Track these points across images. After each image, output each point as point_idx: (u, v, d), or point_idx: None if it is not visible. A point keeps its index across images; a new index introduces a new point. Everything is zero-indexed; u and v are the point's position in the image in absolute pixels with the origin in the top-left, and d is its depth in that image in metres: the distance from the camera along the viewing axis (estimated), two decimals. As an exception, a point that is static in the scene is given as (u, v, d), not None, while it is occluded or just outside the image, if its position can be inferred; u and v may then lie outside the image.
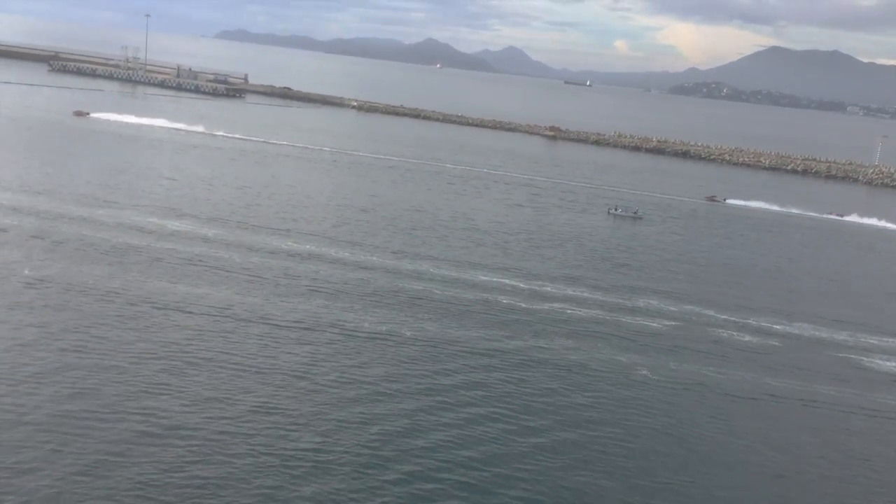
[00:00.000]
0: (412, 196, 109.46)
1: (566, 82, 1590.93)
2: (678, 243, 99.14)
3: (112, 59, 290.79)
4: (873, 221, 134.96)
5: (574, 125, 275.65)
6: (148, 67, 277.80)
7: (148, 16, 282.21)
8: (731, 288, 79.08)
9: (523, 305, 63.43)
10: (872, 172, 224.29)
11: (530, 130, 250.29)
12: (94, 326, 48.59)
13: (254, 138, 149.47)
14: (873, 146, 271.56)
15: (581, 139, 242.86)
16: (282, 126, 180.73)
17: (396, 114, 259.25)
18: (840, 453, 44.78)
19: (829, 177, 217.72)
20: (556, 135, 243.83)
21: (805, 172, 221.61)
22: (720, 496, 38.30)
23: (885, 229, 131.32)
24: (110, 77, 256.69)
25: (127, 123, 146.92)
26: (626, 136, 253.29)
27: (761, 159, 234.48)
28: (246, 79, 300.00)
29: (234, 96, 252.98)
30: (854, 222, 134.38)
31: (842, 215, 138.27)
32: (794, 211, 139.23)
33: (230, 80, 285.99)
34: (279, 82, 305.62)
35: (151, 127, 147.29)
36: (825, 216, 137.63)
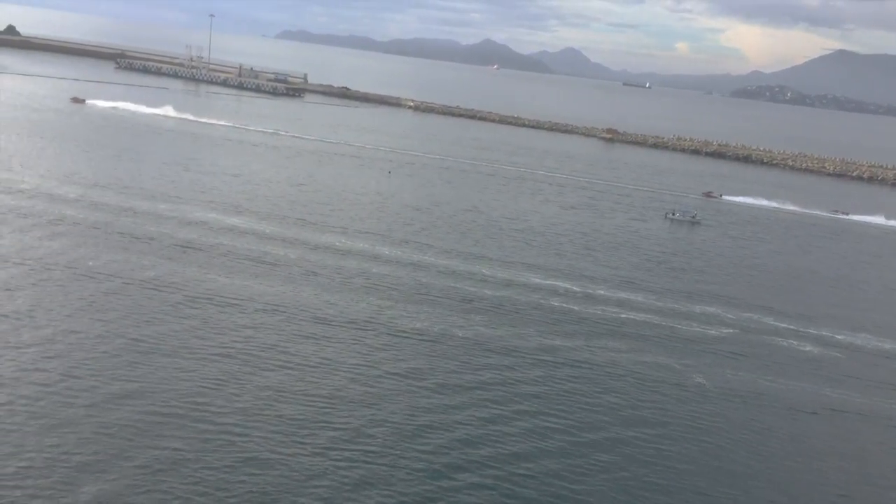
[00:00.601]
0: (467, 197, 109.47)
1: (625, 84, 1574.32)
2: (737, 249, 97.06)
3: (176, 58, 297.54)
4: None
5: (632, 128, 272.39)
6: (211, 66, 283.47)
7: (212, 16, 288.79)
8: (792, 295, 77.13)
9: (576, 308, 62.88)
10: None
11: (587, 133, 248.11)
12: (152, 321, 49.77)
13: (311, 137, 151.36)
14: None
15: (639, 142, 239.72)
16: (339, 125, 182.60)
17: (452, 114, 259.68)
18: (904, 470, 43.27)
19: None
20: (613, 137, 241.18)
21: (871, 179, 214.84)
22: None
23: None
24: (174, 75, 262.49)
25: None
26: (685, 140, 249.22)
27: (825, 165, 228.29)
28: (305, 78, 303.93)
29: (293, 95, 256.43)
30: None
31: None
32: (856, 218, 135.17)
33: (290, 79, 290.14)
34: (338, 82, 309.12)
35: (213, 125, 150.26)
36: (891, 223, 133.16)
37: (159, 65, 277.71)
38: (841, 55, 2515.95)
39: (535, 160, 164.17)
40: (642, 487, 37.32)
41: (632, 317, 62.67)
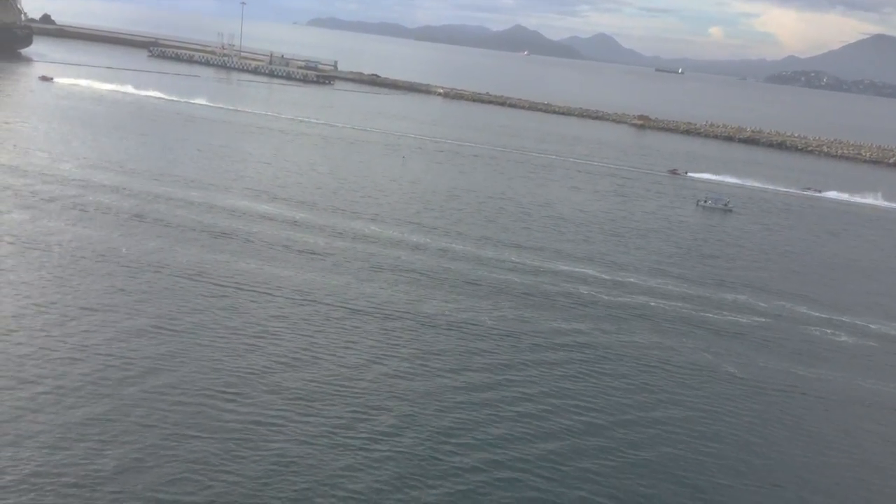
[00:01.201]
0: (496, 184, 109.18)
1: (657, 70, 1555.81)
2: (770, 237, 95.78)
3: (208, 46, 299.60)
4: None
5: (664, 114, 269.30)
6: (242, 54, 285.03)
7: (244, 3, 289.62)
8: (826, 284, 76.00)
9: (605, 297, 62.52)
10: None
11: (618, 119, 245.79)
12: (183, 309, 50.32)
13: (341, 125, 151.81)
14: None
15: (671, 128, 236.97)
16: (369, 112, 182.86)
17: (482, 101, 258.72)
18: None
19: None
20: (644, 124, 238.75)
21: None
22: None
23: None
24: (206, 63, 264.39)
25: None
26: (718, 126, 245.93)
27: (861, 151, 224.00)
28: (335, 66, 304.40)
29: (323, 83, 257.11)
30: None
31: None
32: (891, 205, 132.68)
33: (320, 66, 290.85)
34: (368, 69, 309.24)
35: (244, 113, 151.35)
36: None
37: (191, 53, 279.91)
38: (879, 39, 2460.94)
39: (566, 147, 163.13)
40: (678, 482, 37.05)
41: (662, 305, 62.18)
